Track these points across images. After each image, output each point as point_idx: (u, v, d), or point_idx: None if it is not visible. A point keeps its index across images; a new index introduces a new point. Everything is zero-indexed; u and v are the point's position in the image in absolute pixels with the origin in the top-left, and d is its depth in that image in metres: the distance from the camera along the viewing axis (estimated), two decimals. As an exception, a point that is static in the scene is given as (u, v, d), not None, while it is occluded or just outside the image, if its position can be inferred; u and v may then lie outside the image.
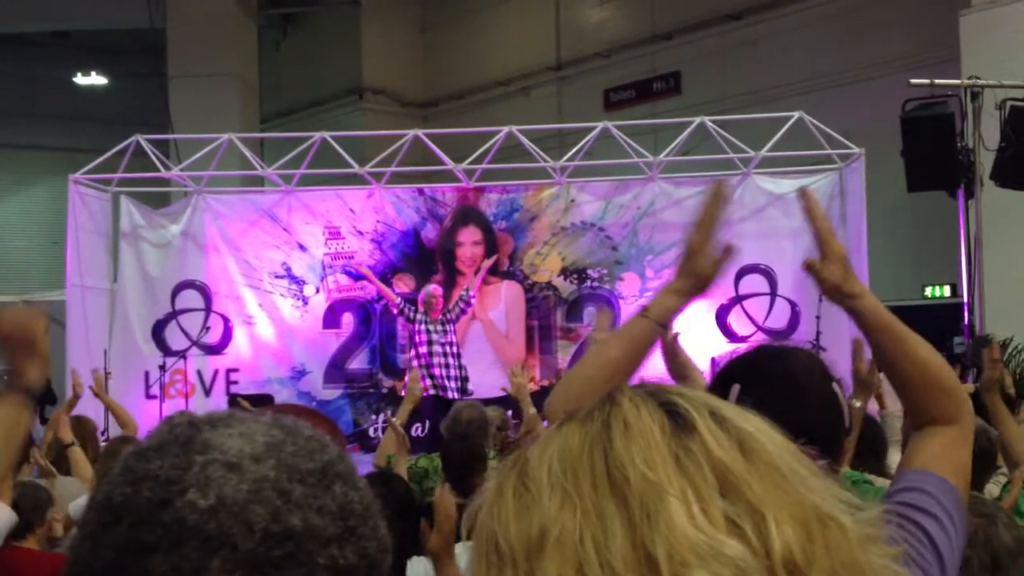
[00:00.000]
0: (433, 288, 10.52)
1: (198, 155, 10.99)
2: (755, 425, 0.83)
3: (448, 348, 10.17)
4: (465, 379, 10.20)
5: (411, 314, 10.37)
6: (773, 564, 0.75)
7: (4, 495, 4.75)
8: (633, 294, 10.87)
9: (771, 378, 1.79)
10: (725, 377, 1.82)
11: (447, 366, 10.06)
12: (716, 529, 0.76)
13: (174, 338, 11.02)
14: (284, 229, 11.21)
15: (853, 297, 1.71)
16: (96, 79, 20.84)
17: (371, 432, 11.01)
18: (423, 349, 10.15)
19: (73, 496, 4.99)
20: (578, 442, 0.82)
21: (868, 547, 0.80)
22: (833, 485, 0.82)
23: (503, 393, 8.60)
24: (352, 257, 11.25)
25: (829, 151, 10.29)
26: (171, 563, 0.72)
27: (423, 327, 10.22)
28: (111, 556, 0.73)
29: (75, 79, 20.73)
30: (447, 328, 10.26)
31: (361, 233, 11.23)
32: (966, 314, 9.19)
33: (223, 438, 0.77)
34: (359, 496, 0.80)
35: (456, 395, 9.78)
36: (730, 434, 0.81)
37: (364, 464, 7.12)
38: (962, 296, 9.54)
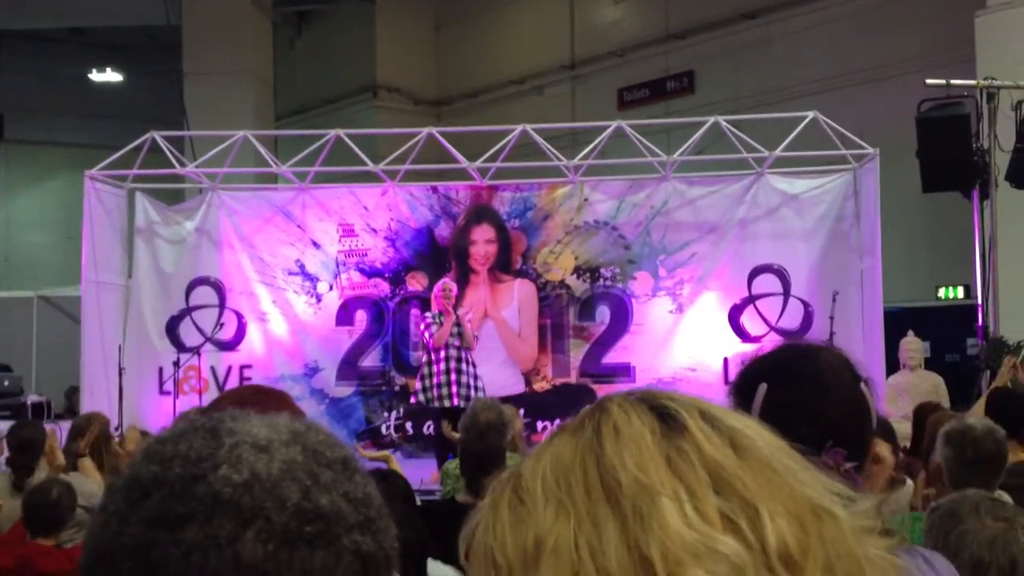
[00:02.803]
0: (447, 281, 10.32)
1: (213, 152, 11.02)
2: (745, 423, 0.83)
3: (451, 355, 9.58)
4: (446, 384, 9.49)
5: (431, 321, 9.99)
6: (769, 558, 0.75)
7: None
8: (646, 293, 10.85)
9: (798, 378, 1.75)
10: (751, 377, 1.77)
11: (446, 371, 9.52)
12: (710, 527, 0.75)
13: (188, 334, 11.05)
14: (298, 226, 11.23)
15: None
16: (112, 75, 20.94)
17: (383, 429, 11.03)
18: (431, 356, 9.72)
19: (86, 489, 5.05)
20: (570, 451, 0.82)
21: (863, 538, 0.80)
22: (826, 478, 0.82)
23: (515, 392, 8.54)
24: (366, 255, 11.25)
25: (843, 151, 10.24)
26: (205, 533, 0.72)
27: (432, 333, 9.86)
28: (140, 531, 0.73)
29: (91, 75, 20.84)
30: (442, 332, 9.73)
31: (375, 231, 11.24)
32: (980, 315, 9.17)
33: (247, 426, 0.78)
34: (375, 492, 0.81)
35: (442, 403, 9.45)
36: (721, 432, 0.81)
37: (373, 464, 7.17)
38: (976, 297, 9.52)
